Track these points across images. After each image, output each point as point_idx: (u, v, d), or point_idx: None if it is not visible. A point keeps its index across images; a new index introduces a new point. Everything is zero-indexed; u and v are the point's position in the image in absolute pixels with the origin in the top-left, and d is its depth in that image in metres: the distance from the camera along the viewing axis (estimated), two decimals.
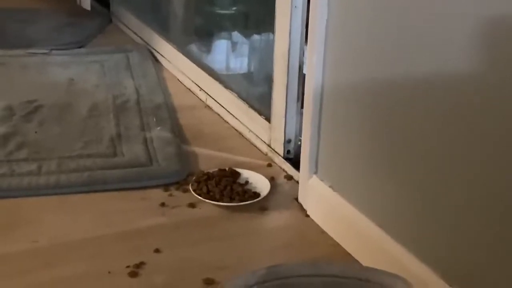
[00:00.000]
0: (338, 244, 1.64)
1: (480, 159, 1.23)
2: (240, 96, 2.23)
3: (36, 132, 2.13)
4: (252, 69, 2.62)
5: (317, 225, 1.72)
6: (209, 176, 1.87)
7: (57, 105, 2.34)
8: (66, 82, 2.55)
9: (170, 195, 1.84)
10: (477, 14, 1.19)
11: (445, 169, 1.31)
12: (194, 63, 2.54)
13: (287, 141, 1.97)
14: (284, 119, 1.96)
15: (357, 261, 1.57)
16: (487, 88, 1.20)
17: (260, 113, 2.11)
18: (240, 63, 2.64)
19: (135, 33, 3.10)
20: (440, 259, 1.35)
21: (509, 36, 1.14)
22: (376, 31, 1.46)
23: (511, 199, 1.17)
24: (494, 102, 1.19)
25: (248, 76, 2.59)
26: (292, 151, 1.98)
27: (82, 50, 2.94)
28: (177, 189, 1.86)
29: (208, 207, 1.78)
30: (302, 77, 1.89)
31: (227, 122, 2.27)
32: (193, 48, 2.75)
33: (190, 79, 2.54)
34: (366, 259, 1.54)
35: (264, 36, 2.49)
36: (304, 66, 1.88)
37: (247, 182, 1.87)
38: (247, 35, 2.63)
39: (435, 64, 1.30)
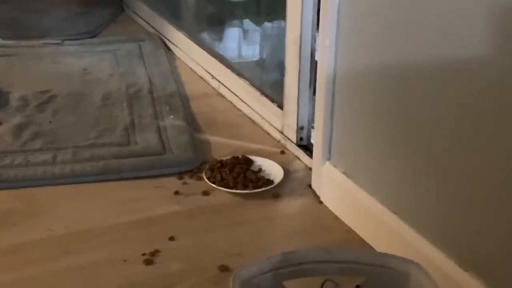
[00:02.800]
0: (352, 230, 1.64)
1: (499, 144, 1.22)
2: (253, 84, 2.23)
3: (50, 122, 2.14)
4: (264, 56, 2.61)
5: (331, 211, 1.72)
6: (222, 164, 1.87)
7: (71, 94, 2.35)
8: (80, 72, 2.56)
9: (184, 183, 1.85)
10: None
11: (463, 154, 1.30)
12: (206, 51, 2.54)
13: (300, 128, 1.97)
14: (296, 106, 1.96)
15: (371, 247, 1.57)
16: (503, 70, 1.19)
17: (272, 100, 2.11)
18: (252, 51, 2.64)
19: (147, 22, 3.10)
20: (455, 244, 1.34)
21: None
22: (389, 14, 1.45)
23: None
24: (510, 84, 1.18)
25: (260, 64, 2.59)
26: (305, 137, 1.98)
27: (95, 39, 2.95)
28: (191, 177, 1.87)
29: (222, 194, 1.78)
30: (314, 64, 1.89)
31: (240, 110, 2.27)
32: (205, 36, 2.75)
33: (202, 67, 2.54)
34: (380, 245, 1.54)
35: (275, 23, 2.48)
36: (316, 52, 1.88)
37: (260, 170, 1.88)
38: (258, 23, 2.63)
39: (450, 47, 1.29)
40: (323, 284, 1.28)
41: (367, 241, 1.59)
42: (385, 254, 1.28)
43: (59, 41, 2.85)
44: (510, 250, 1.22)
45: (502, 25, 1.18)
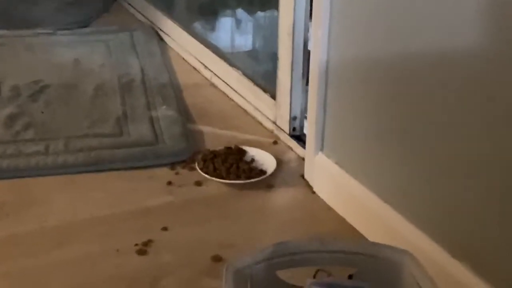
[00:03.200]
0: (344, 220, 1.64)
1: (489, 133, 1.22)
2: (245, 74, 2.22)
3: (42, 112, 2.14)
4: (257, 46, 2.61)
5: (324, 201, 1.72)
6: (215, 154, 1.87)
7: (63, 85, 2.34)
8: (72, 62, 2.55)
9: (177, 173, 1.85)
10: None
11: (454, 144, 1.31)
12: (199, 41, 2.53)
13: (293, 118, 1.97)
14: (289, 96, 1.95)
15: (364, 236, 1.57)
16: (493, 60, 1.19)
17: (265, 91, 2.10)
18: (245, 41, 2.63)
19: (139, 12, 3.09)
20: (448, 234, 1.35)
21: None
22: (381, 5, 1.45)
23: None
24: (501, 74, 1.18)
25: (253, 54, 2.58)
26: (298, 128, 1.98)
27: (87, 29, 2.93)
28: (184, 167, 1.87)
29: (215, 185, 1.78)
30: (307, 54, 1.89)
31: (233, 100, 2.26)
32: (198, 26, 2.74)
33: (195, 57, 2.54)
34: (372, 235, 1.54)
35: (268, 13, 2.48)
36: (309, 42, 1.88)
37: (253, 160, 1.88)
38: (251, 13, 2.62)
39: (442, 38, 1.30)
40: (315, 274, 1.28)
41: (360, 231, 1.59)
42: (378, 244, 1.28)
43: (51, 31, 2.83)
44: (502, 240, 1.22)
45: (494, 14, 1.18)
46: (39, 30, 2.84)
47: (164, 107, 2.17)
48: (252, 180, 1.78)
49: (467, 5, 1.22)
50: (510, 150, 1.18)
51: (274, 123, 2.04)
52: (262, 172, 1.82)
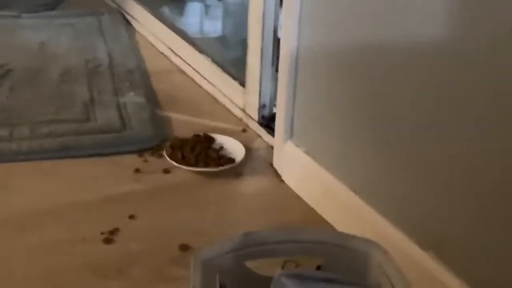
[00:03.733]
0: (313, 210, 1.64)
1: (459, 123, 1.23)
2: (214, 61, 2.20)
3: (7, 97, 2.09)
4: (226, 32, 2.59)
5: (292, 190, 1.72)
6: (183, 142, 1.85)
7: (29, 69, 2.30)
8: (37, 46, 2.50)
9: (145, 161, 1.83)
10: None
11: (423, 134, 1.31)
12: (167, 26, 2.50)
13: (262, 106, 1.96)
14: (259, 83, 1.94)
15: (332, 226, 1.57)
16: (466, 51, 1.19)
17: (234, 78, 2.09)
18: (214, 27, 2.61)
19: None
20: (416, 225, 1.36)
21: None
22: None
23: (491, 165, 1.18)
24: (473, 65, 1.18)
25: (222, 40, 2.56)
26: (267, 116, 1.97)
27: (53, 12, 2.88)
28: (152, 155, 1.85)
29: (183, 173, 1.77)
30: (277, 41, 1.88)
31: (202, 87, 2.25)
32: (166, 11, 2.71)
33: (163, 43, 2.51)
34: (341, 225, 1.55)
35: None
36: (279, 30, 1.87)
37: (222, 148, 1.86)
38: None
39: (413, 27, 1.29)
40: (284, 264, 1.28)
41: (328, 220, 1.59)
42: (346, 234, 1.28)
43: (17, 14, 2.78)
44: (469, 231, 1.23)
45: (465, 4, 1.18)
46: (4, 13, 2.78)
47: (132, 93, 2.15)
48: (221, 168, 1.77)
49: None
50: (479, 139, 1.19)
51: (243, 110, 2.03)
52: (231, 160, 1.81)
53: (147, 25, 2.64)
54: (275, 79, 1.89)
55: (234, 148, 1.86)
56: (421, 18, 1.27)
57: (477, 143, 1.19)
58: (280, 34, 1.80)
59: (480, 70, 1.16)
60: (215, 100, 2.17)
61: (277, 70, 1.81)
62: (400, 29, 1.33)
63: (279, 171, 1.78)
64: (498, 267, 1.18)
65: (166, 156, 1.80)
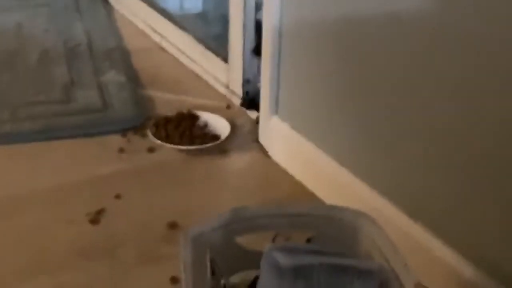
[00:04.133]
0: (300, 183, 1.63)
1: (439, 95, 1.22)
2: (196, 37, 2.18)
3: None
4: (207, 8, 2.56)
5: (279, 165, 1.71)
6: (167, 120, 1.83)
7: (6, 51, 2.26)
8: (14, 28, 2.46)
9: (128, 140, 1.80)
10: None
11: (406, 104, 1.30)
12: (146, 4, 2.47)
13: (246, 82, 1.94)
14: (241, 59, 1.92)
15: (320, 200, 1.57)
16: (447, 22, 1.18)
17: (217, 55, 2.07)
18: (194, 3, 2.58)
19: None
20: (403, 194, 1.35)
21: None
22: None
23: (477, 135, 1.18)
24: (454, 37, 1.17)
25: (203, 16, 2.53)
26: (251, 92, 1.95)
27: None
28: (135, 134, 1.83)
29: (168, 151, 1.75)
30: (259, 16, 1.85)
31: (184, 64, 2.22)
32: None
33: (142, 20, 2.48)
34: (329, 198, 1.54)
35: None
36: (261, 5, 1.84)
37: (206, 125, 1.85)
38: None
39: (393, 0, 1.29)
40: (274, 238, 1.27)
41: (317, 194, 1.58)
42: (335, 207, 1.27)
43: None
44: (457, 200, 1.23)
45: None
46: None
47: (113, 72, 2.12)
48: (206, 145, 1.76)
49: None
50: (465, 108, 1.18)
51: (227, 87, 2.01)
52: (216, 137, 1.79)
53: (126, 3, 2.61)
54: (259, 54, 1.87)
55: (219, 125, 1.84)
56: None
57: (463, 112, 1.19)
58: (263, 9, 1.77)
59: (462, 41, 1.16)
60: (198, 77, 2.14)
61: (258, 52, 1.78)
62: (384, 3, 1.31)
63: (265, 147, 1.77)
64: (487, 236, 1.18)
65: (150, 135, 1.78)
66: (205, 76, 2.11)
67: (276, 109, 1.72)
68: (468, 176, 1.20)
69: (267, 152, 1.75)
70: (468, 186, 1.20)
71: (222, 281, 1.13)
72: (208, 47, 2.12)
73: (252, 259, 1.13)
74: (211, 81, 2.09)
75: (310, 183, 1.61)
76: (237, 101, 1.97)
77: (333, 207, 1.28)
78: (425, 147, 1.28)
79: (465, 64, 1.16)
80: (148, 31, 2.44)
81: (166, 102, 1.99)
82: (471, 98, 1.17)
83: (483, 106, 1.15)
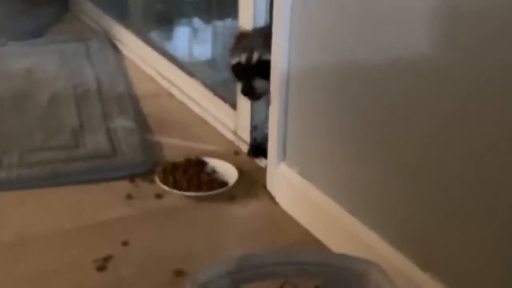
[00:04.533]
0: (308, 231, 1.62)
1: (449, 140, 1.22)
2: (204, 83, 2.20)
3: None
4: (215, 55, 2.58)
5: (286, 212, 1.70)
6: (175, 166, 1.84)
7: (16, 96, 2.28)
8: (25, 73, 2.48)
9: (136, 186, 1.81)
10: None
11: (415, 153, 1.30)
12: (156, 50, 2.50)
13: (254, 128, 1.95)
14: (249, 105, 1.93)
15: (328, 248, 1.56)
16: (446, 68, 1.20)
17: (225, 100, 2.08)
18: (203, 50, 2.61)
19: (94, 20, 3.04)
20: (414, 244, 1.34)
21: (465, 19, 1.14)
22: (340, 15, 1.45)
23: (487, 184, 1.18)
24: (454, 82, 1.19)
25: (211, 63, 2.56)
26: (259, 138, 1.95)
27: (40, 39, 2.87)
28: (143, 180, 1.83)
29: (176, 197, 1.75)
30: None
31: (192, 110, 2.23)
32: (154, 35, 2.71)
33: (152, 67, 2.50)
34: (337, 245, 1.53)
35: (226, 21, 2.46)
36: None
37: (214, 171, 1.85)
38: (208, 21, 2.60)
39: (398, 47, 1.30)
40: (282, 286, 1.26)
41: (324, 242, 1.58)
42: (343, 255, 1.27)
43: (3, 42, 2.76)
44: (468, 251, 1.22)
45: (444, 24, 1.18)
46: None
47: (121, 117, 2.13)
48: (214, 192, 1.76)
49: (417, 14, 1.23)
50: (464, 153, 1.18)
51: (235, 133, 2.02)
52: (224, 183, 1.79)
53: (136, 50, 2.64)
54: (266, 101, 1.88)
55: (227, 171, 1.84)
56: (402, 38, 1.28)
57: (478, 161, 1.19)
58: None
59: (463, 87, 1.17)
60: (206, 123, 2.15)
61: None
62: (388, 50, 1.33)
63: (272, 193, 1.76)
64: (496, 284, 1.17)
65: (158, 181, 1.79)
66: (213, 122, 2.12)
67: (283, 155, 1.72)
68: (483, 227, 1.19)
69: (274, 198, 1.75)
70: (481, 238, 1.20)
71: None
72: (216, 93, 2.13)
73: None
74: (219, 127, 2.10)
75: (318, 231, 1.60)
76: (245, 147, 1.97)
77: (341, 256, 1.27)
78: (436, 199, 1.28)
79: (467, 108, 1.17)
80: (157, 76, 2.46)
81: (174, 147, 2.00)
82: (477, 142, 1.17)
83: (492, 149, 1.15)
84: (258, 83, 1.71)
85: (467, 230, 1.22)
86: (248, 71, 1.74)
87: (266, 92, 1.70)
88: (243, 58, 1.73)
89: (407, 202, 1.35)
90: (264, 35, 1.72)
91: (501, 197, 1.15)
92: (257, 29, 1.83)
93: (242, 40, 1.78)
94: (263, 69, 1.70)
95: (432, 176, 1.28)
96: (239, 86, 1.80)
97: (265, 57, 1.69)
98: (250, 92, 1.74)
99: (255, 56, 1.71)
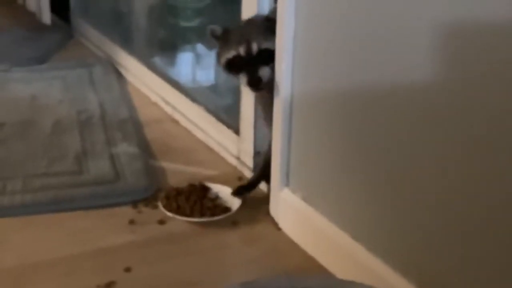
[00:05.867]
0: (311, 257, 1.62)
1: (452, 164, 1.22)
2: (207, 109, 2.20)
3: None
4: (218, 81, 2.60)
5: (290, 238, 1.70)
6: (178, 192, 1.84)
7: (20, 122, 2.29)
8: (28, 98, 2.49)
9: (139, 212, 1.80)
10: (437, 21, 1.20)
11: (418, 178, 1.30)
12: (159, 76, 2.51)
13: (257, 154, 1.95)
14: (253, 131, 1.94)
15: (331, 274, 1.55)
16: (450, 92, 1.20)
17: (228, 126, 2.08)
18: (205, 75, 2.62)
19: (97, 47, 3.06)
20: (417, 271, 1.33)
21: (467, 43, 1.15)
22: (342, 40, 1.46)
23: (490, 210, 1.17)
24: (458, 105, 1.19)
25: (215, 89, 2.57)
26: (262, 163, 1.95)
27: (44, 65, 2.88)
28: (146, 205, 1.83)
29: (179, 223, 1.75)
30: None
31: (195, 136, 2.24)
32: (157, 61, 2.72)
33: (155, 92, 2.51)
34: (341, 272, 1.52)
35: None
36: None
37: (217, 197, 1.84)
38: (211, 47, 2.61)
39: (400, 71, 1.30)
40: None
41: (327, 268, 1.57)
42: (347, 281, 1.26)
43: (6, 68, 2.78)
44: (473, 280, 1.21)
45: (447, 48, 1.19)
46: None
47: (125, 143, 2.13)
48: (217, 217, 1.75)
49: (420, 41, 1.24)
50: (471, 182, 1.18)
51: (238, 158, 2.02)
52: (227, 209, 1.79)
53: (139, 75, 2.65)
54: (269, 126, 1.89)
55: (230, 197, 1.84)
56: (407, 62, 1.28)
57: (484, 185, 1.18)
58: None
59: (469, 113, 1.17)
60: (209, 148, 2.16)
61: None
62: (392, 74, 1.33)
63: (276, 219, 1.76)
64: None
65: (161, 207, 1.78)
66: (217, 148, 2.13)
67: (287, 181, 1.72)
68: (488, 257, 1.19)
69: (277, 224, 1.75)
70: (486, 267, 1.19)
71: None
72: (219, 118, 2.14)
73: None
74: (222, 153, 2.10)
75: (322, 257, 1.60)
76: (248, 173, 1.97)
77: (345, 282, 1.26)
78: (439, 223, 1.27)
79: (474, 136, 1.17)
80: (160, 102, 2.47)
81: (178, 173, 2.00)
82: (483, 172, 1.17)
83: (497, 177, 1.15)
84: (263, 71, 1.69)
85: (472, 260, 1.21)
86: (250, 62, 1.72)
87: (271, 81, 1.68)
88: (241, 50, 1.71)
89: (410, 228, 1.34)
90: (257, 26, 1.73)
91: (507, 231, 1.14)
92: (245, 22, 1.82)
93: (230, 35, 1.77)
94: (265, 57, 1.69)
95: (437, 203, 1.27)
96: (241, 78, 1.71)
97: (264, 46, 1.69)
98: (258, 82, 1.70)
99: (255, 46, 1.69)
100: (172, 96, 2.40)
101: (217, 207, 1.79)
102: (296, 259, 1.62)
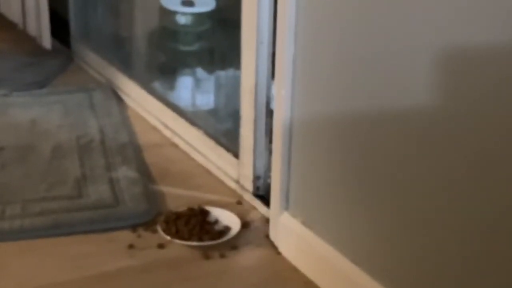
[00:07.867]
0: (311, 282, 1.61)
1: (454, 188, 1.22)
2: (207, 133, 2.20)
3: None
4: (218, 105, 2.60)
5: (290, 262, 1.69)
6: (178, 216, 1.83)
7: (20, 147, 2.28)
8: (28, 123, 2.50)
9: (139, 236, 1.80)
10: (437, 46, 1.21)
11: (419, 203, 1.30)
12: (159, 100, 2.51)
13: (257, 178, 1.95)
14: (252, 155, 1.94)
15: None
16: (450, 117, 1.21)
17: (228, 150, 2.08)
18: (205, 100, 2.63)
19: (97, 71, 3.06)
20: None
21: (467, 69, 1.15)
22: (342, 65, 1.46)
23: (487, 232, 1.17)
24: (459, 129, 1.19)
25: (214, 113, 2.57)
26: (262, 187, 1.95)
27: (44, 90, 2.88)
28: (146, 230, 1.82)
29: (178, 247, 1.74)
30: (270, 112, 1.88)
31: (195, 160, 2.24)
32: (157, 85, 2.73)
33: (155, 117, 2.51)
34: None
35: (229, 72, 2.48)
36: (271, 100, 1.87)
37: (216, 221, 1.84)
38: (211, 71, 2.62)
39: (400, 96, 1.31)
40: None
41: None
42: None
43: (7, 93, 2.78)
44: None
45: (447, 73, 1.20)
46: None
47: (124, 167, 2.13)
48: (216, 241, 1.75)
49: (420, 66, 1.24)
50: (472, 205, 1.18)
51: (238, 182, 2.02)
52: (226, 233, 1.79)
53: (139, 100, 2.65)
54: (269, 149, 1.89)
55: (229, 221, 1.84)
56: (409, 89, 1.28)
57: (480, 209, 1.18)
58: (272, 105, 1.81)
59: (468, 139, 1.17)
60: (209, 172, 2.15)
61: (271, 141, 1.80)
62: (392, 99, 1.34)
63: (275, 243, 1.75)
64: None
65: (161, 231, 1.78)
66: (216, 172, 2.13)
67: (286, 205, 1.72)
68: (490, 278, 1.18)
69: (277, 248, 1.74)
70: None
71: None
72: (219, 142, 2.14)
73: None
74: (222, 177, 2.10)
75: (322, 281, 1.59)
76: (248, 196, 1.97)
77: None
78: (442, 249, 1.27)
79: (472, 160, 1.17)
80: (160, 126, 2.47)
81: (177, 197, 1.99)
82: (482, 193, 1.17)
83: (495, 197, 1.14)
84: None
85: (473, 282, 1.21)
86: None
87: None
88: None
89: (411, 252, 1.34)
90: None
91: (506, 255, 1.14)
92: None
93: None
94: None
95: (438, 229, 1.27)
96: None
97: None
98: None
99: None
100: (171, 120, 2.40)
101: (217, 231, 1.78)
102: (296, 284, 1.62)
